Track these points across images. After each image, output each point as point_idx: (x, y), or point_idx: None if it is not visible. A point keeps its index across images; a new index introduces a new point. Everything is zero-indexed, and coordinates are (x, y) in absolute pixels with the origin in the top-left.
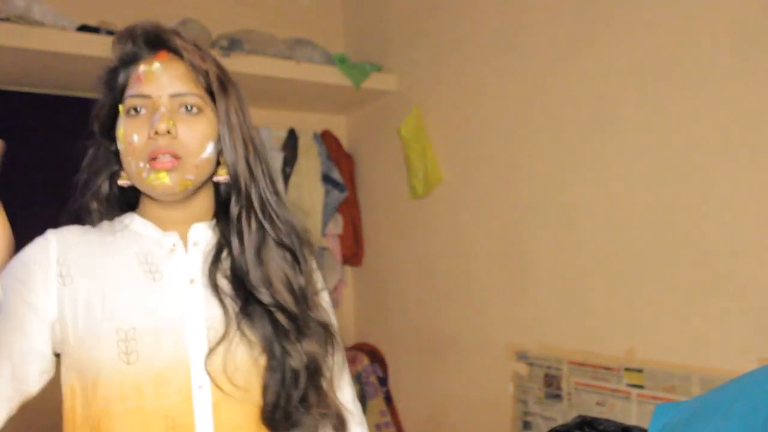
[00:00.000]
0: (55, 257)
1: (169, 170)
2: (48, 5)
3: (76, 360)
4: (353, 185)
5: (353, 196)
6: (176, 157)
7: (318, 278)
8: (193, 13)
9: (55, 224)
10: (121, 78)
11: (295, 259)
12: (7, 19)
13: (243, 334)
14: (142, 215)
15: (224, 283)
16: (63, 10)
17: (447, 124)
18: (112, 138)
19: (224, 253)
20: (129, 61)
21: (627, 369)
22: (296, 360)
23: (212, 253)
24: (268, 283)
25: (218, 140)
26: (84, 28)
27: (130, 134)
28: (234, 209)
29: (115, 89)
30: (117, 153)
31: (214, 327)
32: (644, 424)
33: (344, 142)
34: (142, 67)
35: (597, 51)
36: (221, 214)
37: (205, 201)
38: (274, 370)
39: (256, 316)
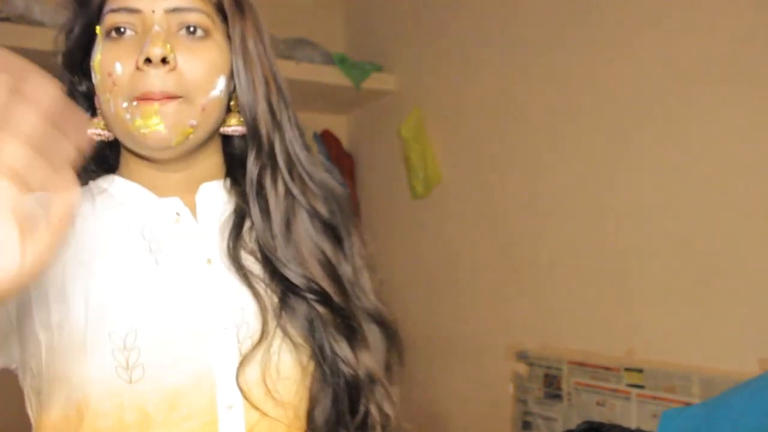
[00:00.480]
0: None
1: (164, 113)
2: (48, 5)
3: (49, 382)
4: (353, 185)
5: (353, 196)
6: (173, 96)
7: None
8: None
9: None
10: None
11: (336, 235)
12: (7, 19)
13: (285, 332)
14: (128, 178)
15: (252, 264)
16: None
17: (447, 124)
18: (83, 73)
19: (247, 224)
20: None
21: (627, 369)
22: (349, 368)
23: (231, 223)
24: (303, 266)
25: (230, 76)
26: None
27: (110, 62)
28: (253, 168)
29: (89, 3)
30: (89, 95)
31: (246, 323)
32: (644, 425)
33: (344, 142)
34: None
35: (597, 52)
36: (236, 174)
37: (213, 159)
38: (324, 382)
39: (298, 308)
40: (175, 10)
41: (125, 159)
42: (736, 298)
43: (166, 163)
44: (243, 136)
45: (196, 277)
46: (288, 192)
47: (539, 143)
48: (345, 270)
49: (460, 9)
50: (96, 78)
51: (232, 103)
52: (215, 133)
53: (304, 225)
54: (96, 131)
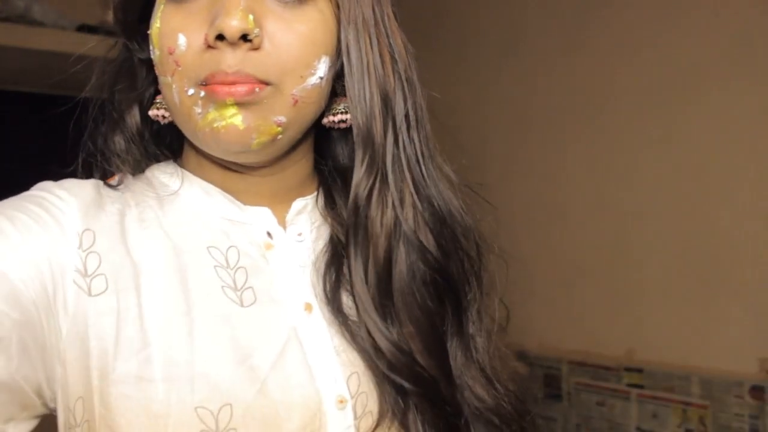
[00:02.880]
0: (76, 232)
1: (242, 103)
2: (48, 5)
3: None
4: None
5: None
6: (258, 81)
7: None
8: None
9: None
10: None
11: (450, 291)
12: (7, 19)
13: (406, 398)
14: (199, 175)
15: (346, 307)
16: (63, 10)
17: (447, 125)
18: (143, 38)
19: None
20: None
21: (627, 369)
22: None
23: (326, 256)
24: (396, 332)
25: (336, 55)
26: (84, 28)
27: (171, 35)
28: (362, 183)
29: None
30: (151, 65)
31: (364, 393)
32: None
33: None
34: None
35: (595, 53)
36: (335, 182)
37: (306, 162)
38: None
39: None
40: None
41: (189, 152)
42: (736, 298)
43: (245, 165)
44: (342, 132)
45: (294, 328)
46: (397, 225)
47: (539, 144)
48: (455, 346)
49: (460, 9)
50: (155, 54)
51: (336, 85)
52: (311, 128)
53: (408, 273)
54: (159, 113)
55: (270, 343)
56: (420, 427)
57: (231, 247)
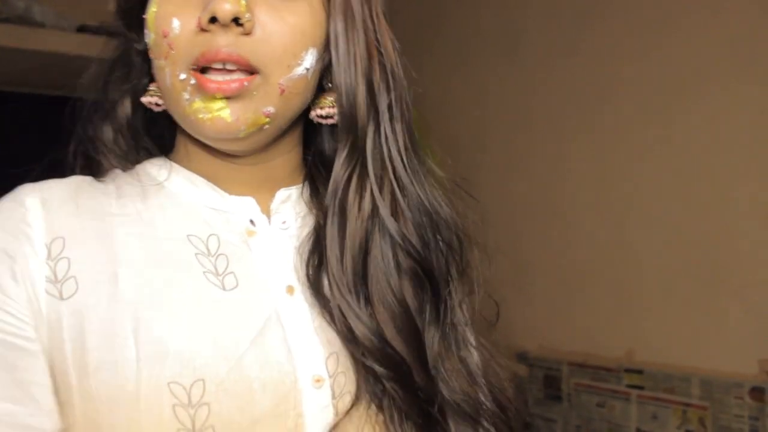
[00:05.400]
0: (42, 242)
1: (230, 97)
2: (48, 5)
3: None
4: None
5: None
6: (247, 69)
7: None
8: None
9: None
10: None
11: (427, 280)
12: (6, 20)
13: (382, 387)
14: (186, 166)
15: (328, 289)
16: (63, 10)
17: (447, 126)
18: (141, 28)
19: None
20: None
21: (627, 370)
22: None
23: (310, 242)
24: (372, 319)
25: (324, 48)
26: (84, 29)
27: (166, 18)
28: (341, 171)
29: None
30: (145, 57)
31: (342, 373)
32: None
33: None
34: None
35: (596, 54)
36: (318, 173)
37: (294, 153)
38: None
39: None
40: None
41: (182, 139)
42: (736, 299)
43: (233, 154)
44: (329, 127)
45: (276, 310)
46: (374, 210)
47: (539, 143)
48: (431, 335)
49: (460, 9)
50: (149, 37)
51: (324, 80)
52: (300, 119)
53: (383, 258)
54: (152, 100)
55: (250, 323)
56: (394, 412)
57: (211, 235)
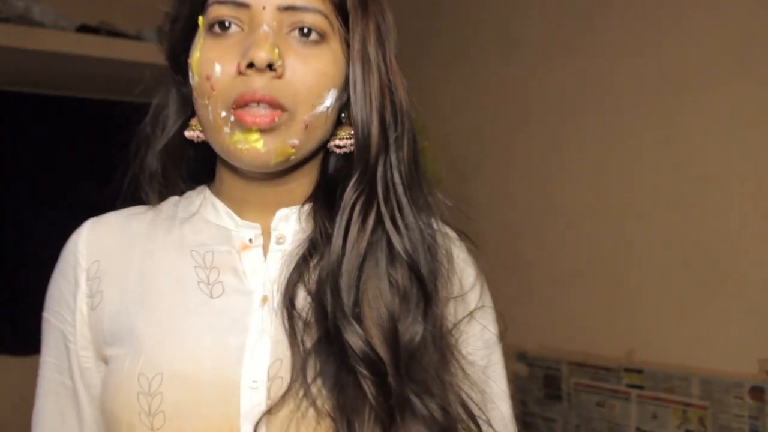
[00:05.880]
0: (84, 268)
1: (264, 130)
2: (48, 5)
3: (102, 410)
4: None
5: None
6: (278, 107)
7: (482, 330)
8: None
9: (95, 208)
10: None
11: (421, 292)
12: (6, 20)
13: (308, 392)
14: (218, 192)
15: (303, 302)
16: (63, 10)
17: (447, 125)
18: (186, 71)
19: (317, 257)
20: None
21: (627, 370)
22: None
23: (298, 254)
24: (359, 322)
25: (343, 88)
26: (84, 28)
27: (209, 63)
28: (352, 193)
29: None
30: (184, 100)
31: (279, 377)
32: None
33: None
34: None
35: (595, 53)
36: (322, 195)
37: (310, 177)
38: None
39: (333, 363)
40: (290, 8)
41: (219, 168)
42: (736, 298)
43: (258, 177)
44: (343, 155)
45: (245, 317)
46: (377, 227)
47: (539, 143)
48: (411, 334)
49: (460, 9)
50: (194, 79)
51: (342, 115)
52: (320, 149)
53: (377, 270)
54: (194, 134)
55: (222, 327)
56: (358, 409)
57: (209, 250)
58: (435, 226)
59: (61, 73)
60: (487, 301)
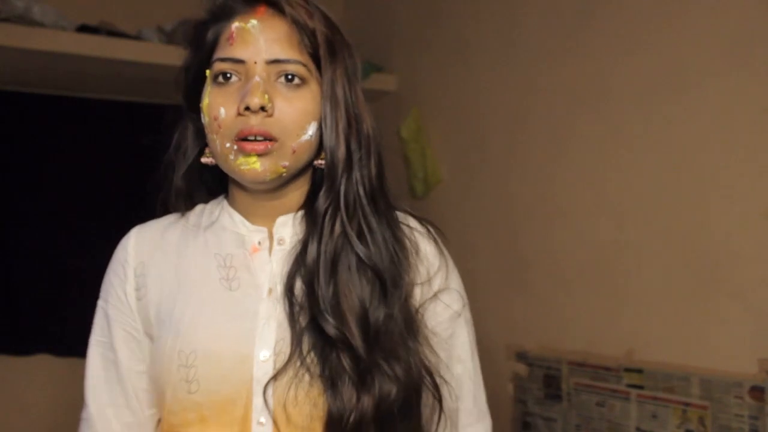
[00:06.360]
0: (132, 267)
1: (261, 154)
2: (48, 5)
3: (150, 376)
4: None
5: None
6: (271, 138)
7: (448, 311)
8: (194, 14)
9: (129, 220)
10: (210, 35)
11: (382, 284)
12: (6, 20)
13: (304, 362)
14: (232, 203)
15: (299, 290)
16: (63, 10)
17: (447, 125)
18: (198, 109)
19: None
20: (221, 15)
21: (626, 369)
22: (349, 408)
23: (294, 252)
24: (336, 309)
25: (321, 120)
26: (84, 28)
27: (216, 107)
28: (321, 203)
29: (202, 48)
30: (197, 132)
31: (282, 352)
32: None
33: None
34: (236, 24)
35: (595, 53)
36: (311, 204)
37: (302, 190)
38: (334, 417)
39: (321, 339)
40: (275, 61)
41: (231, 186)
42: (736, 298)
43: (260, 192)
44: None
45: (256, 305)
46: (343, 233)
47: (539, 143)
48: (378, 320)
49: (460, 9)
50: (205, 120)
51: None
52: (306, 168)
53: (349, 268)
54: (209, 160)
55: (239, 314)
56: (338, 375)
57: (228, 254)
58: (402, 220)
59: (61, 73)
60: (453, 283)
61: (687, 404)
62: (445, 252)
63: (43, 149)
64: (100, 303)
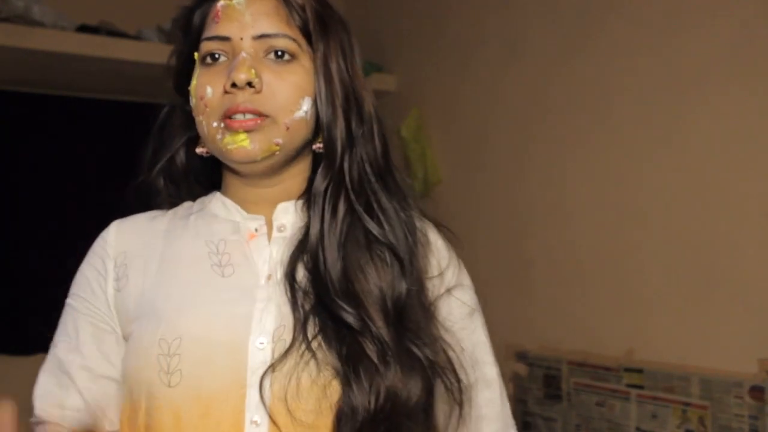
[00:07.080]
0: (113, 258)
1: (250, 130)
2: (48, 5)
3: (124, 376)
4: None
5: None
6: (261, 115)
7: (462, 292)
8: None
9: (120, 210)
10: (197, 17)
11: (399, 261)
12: (6, 19)
13: (309, 347)
14: (225, 192)
15: (302, 277)
16: (63, 10)
17: (447, 125)
18: (188, 95)
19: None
20: None
21: (626, 369)
22: (369, 396)
23: (296, 239)
24: (349, 292)
25: (316, 96)
26: (84, 28)
27: (202, 87)
28: (319, 182)
29: (190, 33)
30: (187, 121)
31: (282, 339)
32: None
33: None
34: (221, 2)
35: (597, 55)
36: (308, 191)
37: (301, 177)
38: (350, 406)
39: (331, 323)
40: (262, 36)
41: (225, 175)
42: (736, 299)
43: (256, 178)
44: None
45: (253, 291)
46: (351, 210)
47: (539, 143)
48: (398, 299)
49: (460, 9)
50: (192, 102)
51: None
52: (306, 150)
53: (360, 249)
54: (203, 149)
55: (232, 300)
56: (355, 359)
57: (221, 240)
58: (412, 210)
59: (61, 73)
60: (466, 280)
61: (687, 404)
62: (453, 249)
63: (43, 149)
64: (69, 301)
